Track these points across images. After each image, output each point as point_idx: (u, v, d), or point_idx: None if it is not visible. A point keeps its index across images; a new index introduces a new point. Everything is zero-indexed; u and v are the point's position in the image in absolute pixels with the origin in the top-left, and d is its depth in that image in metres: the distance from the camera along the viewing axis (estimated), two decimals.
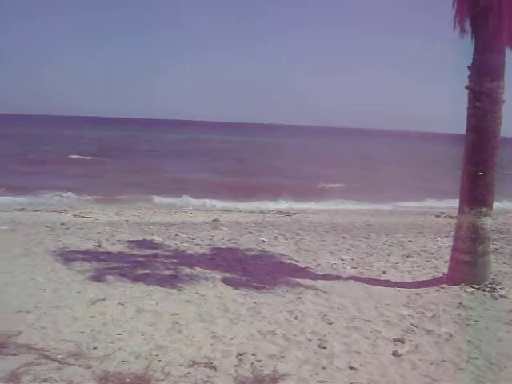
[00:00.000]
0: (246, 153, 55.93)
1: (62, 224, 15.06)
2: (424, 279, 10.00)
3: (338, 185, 30.82)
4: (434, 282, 9.65)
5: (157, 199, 24.08)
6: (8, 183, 25.27)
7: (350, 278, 9.86)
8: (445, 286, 9.32)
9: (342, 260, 11.36)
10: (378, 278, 10.03)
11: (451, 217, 18.17)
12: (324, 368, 5.76)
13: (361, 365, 5.86)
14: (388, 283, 9.63)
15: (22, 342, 6.03)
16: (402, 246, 13.42)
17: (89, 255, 10.71)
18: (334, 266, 10.76)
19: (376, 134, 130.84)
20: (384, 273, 10.40)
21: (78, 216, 17.24)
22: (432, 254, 12.40)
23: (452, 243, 9.84)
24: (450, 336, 6.93)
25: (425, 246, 13.51)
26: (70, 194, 24.31)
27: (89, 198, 23.96)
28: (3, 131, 68.32)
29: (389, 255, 12.10)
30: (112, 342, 6.25)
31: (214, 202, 24.26)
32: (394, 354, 6.21)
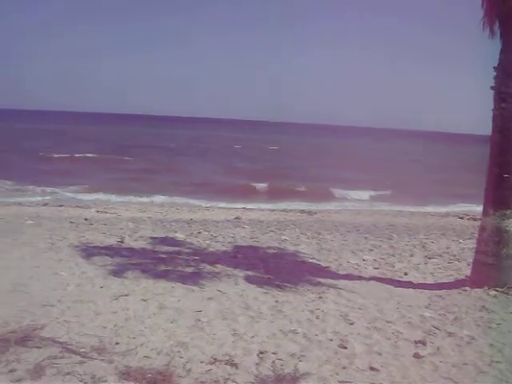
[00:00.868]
0: (264, 152, 55.94)
1: (86, 219, 15.20)
2: (446, 281, 9.92)
3: (363, 185, 30.69)
4: (457, 284, 9.57)
5: (178, 197, 24.14)
6: (31, 179, 25.60)
7: (372, 278, 9.84)
8: (467, 288, 9.24)
9: (364, 260, 11.32)
10: (399, 278, 9.99)
11: (475, 219, 18.04)
12: (345, 368, 5.76)
13: (382, 366, 5.84)
14: (410, 284, 9.57)
15: (46, 336, 6.11)
16: (424, 247, 13.33)
17: (112, 251, 10.80)
18: (356, 266, 10.73)
19: (392, 134, 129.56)
20: (406, 274, 10.35)
21: (101, 212, 17.39)
22: (455, 255, 12.30)
23: (475, 245, 9.75)
24: (472, 339, 6.87)
25: (447, 247, 13.41)
26: (91, 190, 24.53)
27: (111, 194, 24.09)
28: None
29: (411, 256, 12.03)
30: (134, 338, 6.30)
31: (234, 199, 24.34)
32: (416, 355, 6.18)
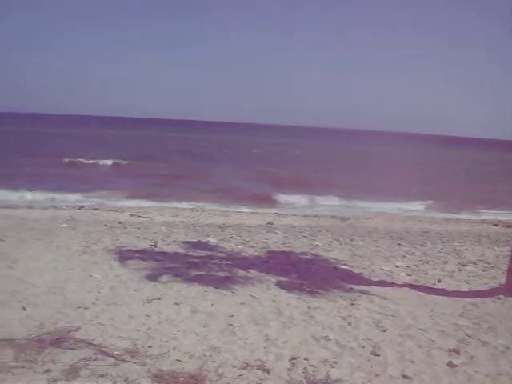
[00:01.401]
0: (289, 156, 55.78)
1: (120, 223, 15.35)
2: (480, 289, 9.82)
3: (394, 190, 30.39)
4: (491, 293, 9.47)
5: (209, 202, 24.19)
6: (63, 183, 25.97)
7: (405, 285, 9.78)
8: (502, 296, 9.14)
9: (397, 267, 11.25)
10: (432, 286, 9.91)
11: (509, 226, 17.81)
12: (377, 375, 5.73)
13: (414, 374, 5.80)
14: (443, 292, 9.49)
15: (80, 337, 6.18)
16: (458, 254, 13.20)
17: (145, 254, 10.89)
18: (389, 273, 10.67)
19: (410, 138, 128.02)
20: (439, 281, 10.26)
21: (135, 216, 17.54)
22: (489, 263, 12.16)
23: (510, 253, 9.63)
24: (507, 348, 6.79)
25: (482, 255, 13.26)
26: (123, 195, 24.72)
27: (144, 199, 24.21)
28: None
29: (444, 263, 11.92)
30: (167, 341, 6.35)
31: (267, 204, 24.38)
32: (449, 364, 6.13)
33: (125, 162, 39.71)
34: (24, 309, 7.08)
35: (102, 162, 39.15)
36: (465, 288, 9.92)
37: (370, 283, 9.73)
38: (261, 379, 5.47)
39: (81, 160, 38.91)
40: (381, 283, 9.81)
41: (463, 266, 11.77)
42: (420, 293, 9.30)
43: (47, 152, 42.23)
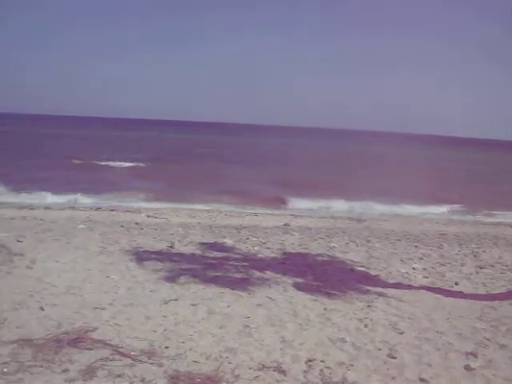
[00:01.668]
0: (306, 158, 55.63)
1: (137, 224, 15.41)
2: (498, 292, 9.75)
3: (408, 192, 30.22)
4: (509, 295, 9.41)
5: (226, 203, 24.21)
6: (76, 185, 26.15)
7: (422, 287, 9.73)
8: None
9: (414, 269, 11.19)
10: (450, 288, 9.85)
11: None
12: (394, 378, 5.72)
13: (432, 377, 5.78)
14: (460, 294, 9.44)
15: (97, 338, 6.23)
16: (475, 256, 13.11)
17: (162, 255, 10.92)
18: (406, 275, 10.62)
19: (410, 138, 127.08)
20: (456, 284, 10.19)
21: (152, 217, 17.60)
22: (507, 266, 12.06)
23: None
24: None
25: (499, 257, 13.16)
26: (140, 196, 24.81)
27: (160, 200, 24.25)
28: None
29: (462, 266, 11.84)
30: (183, 342, 6.38)
31: (285, 205, 24.39)
32: (467, 367, 6.09)
33: (138, 164, 39.82)
34: (42, 309, 7.14)
35: (115, 163, 39.17)
36: (482, 290, 9.85)
37: (386, 285, 9.70)
38: (277, 381, 5.49)
39: (94, 162, 39.04)
40: (398, 285, 9.77)
41: (481, 268, 11.69)
42: (437, 295, 9.25)
43: (59, 154, 42.45)
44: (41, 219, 15.31)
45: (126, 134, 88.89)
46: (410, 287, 9.69)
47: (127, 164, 39.26)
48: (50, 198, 22.27)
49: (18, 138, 62.26)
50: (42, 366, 5.38)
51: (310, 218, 20.19)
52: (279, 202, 25.25)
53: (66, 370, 5.33)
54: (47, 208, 19.11)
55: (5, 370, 5.24)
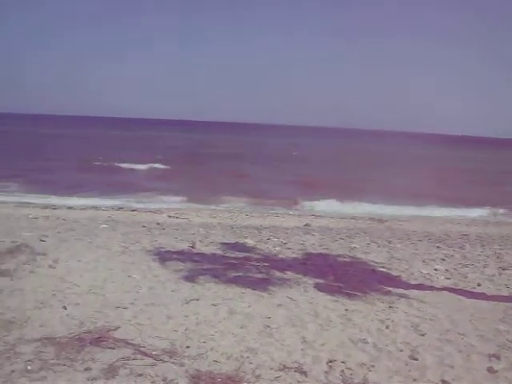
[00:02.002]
0: (327, 158, 55.46)
1: (158, 224, 15.49)
2: None
3: (431, 192, 29.98)
4: None
5: (247, 203, 24.26)
6: (97, 186, 26.36)
7: (444, 288, 9.65)
8: None
9: (436, 270, 11.11)
10: (472, 290, 9.76)
11: None
12: (415, 380, 5.68)
13: (453, 379, 5.74)
14: (483, 296, 9.35)
15: (119, 337, 6.27)
16: (498, 257, 12.97)
17: (183, 255, 10.96)
18: (427, 276, 10.54)
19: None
20: (479, 285, 10.10)
21: (173, 217, 17.68)
22: None
23: None
24: None
25: None
26: (161, 196, 24.94)
27: (182, 200, 24.33)
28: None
29: (484, 267, 11.72)
30: (204, 342, 6.39)
31: (306, 205, 24.38)
32: (489, 370, 6.04)
33: (156, 164, 39.93)
34: (65, 308, 7.20)
35: (134, 165, 39.25)
36: (505, 292, 9.75)
37: (408, 286, 9.64)
38: (298, 381, 5.48)
39: (113, 162, 39.20)
40: (419, 286, 9.71)
41: (503, 269, 11.57)
42: (459, 296, 9.17)
43: (77, 155, 42.87)
44: (63, 219, 15.46)
45: (136, 134, 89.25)
46: (431, 288, 9.62)
47: (146, 165, 39.31)
48: (73, 200, 22.45)
49: (28, 138, 62.79)
50: (64, 365, 5.43)
51: (330, 219, 20.15)
52: (299, 202, 25.23)
53: (88, 369, 5.38)
54: (69, 208, 19.28)
55: (28, 367, 5.30)
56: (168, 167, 38.81)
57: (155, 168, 38.74)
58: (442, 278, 10.51)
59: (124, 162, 39.50)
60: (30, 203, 20.44)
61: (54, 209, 18.64)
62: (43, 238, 11.38)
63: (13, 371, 5.20)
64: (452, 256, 12.77)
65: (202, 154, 53.48)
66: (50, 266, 9.19)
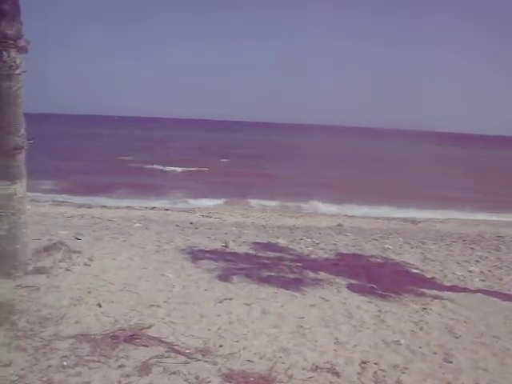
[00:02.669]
0: (352, 157, 55.07)
1: (191, 223, 15.57)
2: None
3: (466, 194, 29.67)
4: None
5: (279, 203, 24.30)
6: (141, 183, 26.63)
7: (478, 290, 9.54)
8: None
9: (470, 272, 10.99)
10: (507, 292, 9.62)
11: None
12: (449, 383, 5.64)
13: (488, 383, 5.68)
14: None
15: (153, 335, 6.30)
16: None
17: (216, 255, 10.99)
18: (462, 278, 10.43)
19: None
20: None
21: (206, 216, 17.77)
22: None
23: None
24: None
25: None
26: (194, 196, 25.11)
27: (215, 199, 24.44)
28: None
29: None
30: (237, 341, 6.41)
31: (336, 206, 24.31)
32: None
33: (187, 164, 40.09)
34: (99, 305, 7.28)
35: (166, 167, 39.47)
36: None
37: (442, 288, 9.55)
38: (330, 382, 5.47)
39: (145, 163, 39.51)
40: (453, 288, 9.61)
41: None
42: (494, 299, 9.06)
43: (108, 154, 43.36)
44: (98, 218, 15.64)
45: (161, 134, 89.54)
46: (466, 290, 9.52)
47: (175, 165, 39.50)
48: (109, 200, 22.71)
49: (60, 137, 63.46)
50: (99, 361, 5.49)
51: (363, 219, 20.09)
52: (331, 202, 25.16)
53: (122, 366, 5.43)
54: (104, 207, 19.50)
55: (64, 363, 5.38)
56: (197, 168, 38.96)
57: (184, 168, 38.89)
58: (477, 279, 10.39)
59: (154, 163, 39.78)
60: (65, 202, 20.74)
61: (89, 208, 18.87)
62: (78, 237, 11.51)
63: (49, 366, 5.28)
64: (487, 258, 12.61)
65: (229, 154, 53.55)
66: (85, 264, 9.28)
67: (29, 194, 9.38)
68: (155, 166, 39.09)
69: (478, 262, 12.08)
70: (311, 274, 9.82)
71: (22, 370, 5.18)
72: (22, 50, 8.49)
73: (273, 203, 24.27)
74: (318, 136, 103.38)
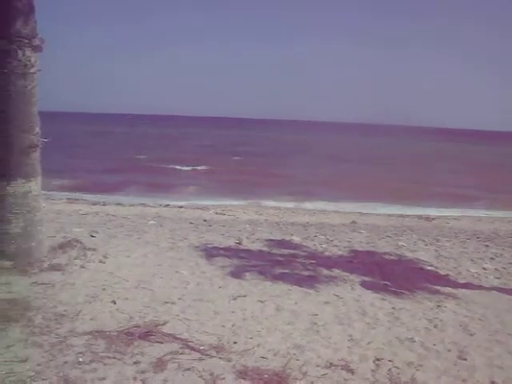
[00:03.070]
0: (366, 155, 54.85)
1: (205, 221, 15.61)
2: None
3: (479, 192, 29.48)
4: None
5: (292, 201, 24.29)
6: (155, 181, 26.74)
7: (493, 288, 9.50)
8: None
9: (485, 269, 10.94)
10: None
11: None
12: (464, 381, 5.61)
13: (504, 381, 5.64)
14: None
15: (167, 332, 6.33)
16: None
17: (230, 252, 11.01)
18: (476, 275, 10.39)
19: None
20: None
21: (220, 213, 17.80)
22: None
23: None
24: None
25: None
26: (207, 193, 25.19)
27: (227, 197, 24.48)
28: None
29: None
30: (251, 338, 6.42)
31: (351, 204, 24.27)
32: None
33: (201, 163, 40.09)
34: (114, 302, 7.32)
35: (182, 166, 39.47)
36: None
37: (456, 285, 9.52)
38: (345, 379, 5.47)
39: (158, 163, 39.57)
40: (468, 286, 9.58)
41: None
42: (509, 296, 9.01)
43: (123, 153, 43.52)
44: (113, 215, 15.70)
45: (173, 132, 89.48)
46: (480, 288, 9.49)
47: (188, 164, 39.49)
48: (123, 197, 22.80)
49: (75, 135, 63.71)
50: (114, 357, 5.53)
51: (377, 216, 20.05)
52: (345, 199, 25.12)
53: (137, 362, 5.46)
54: (118, 204, 19.57)
55: (80, 359, 5.42)
56: (209, 166, 38.96)
57: (197, 166, 38.90)
58: (492, 277, 10.35)
59: (168, 161, 39.84)
60: (79, 200, 20.84)
61: (104, 205, 18.95)
62: (93, 234, 11.57)
63: (65, 362, 5.32)
64: (501, 255, 12.55)
65: (241, 151, 53.53)
66: (100, 261, 9.33)
67: (43, 191, 9.45)
68: (169, 165, 39.10)
69: (492, 259, 12.03)
70: (325, 271, 9.82)
71: (39, 365, 5.22)
72: (37, 48, 8.55)
73: (286, 200, 24.27)
74: (325, 133, 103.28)
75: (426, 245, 13.40)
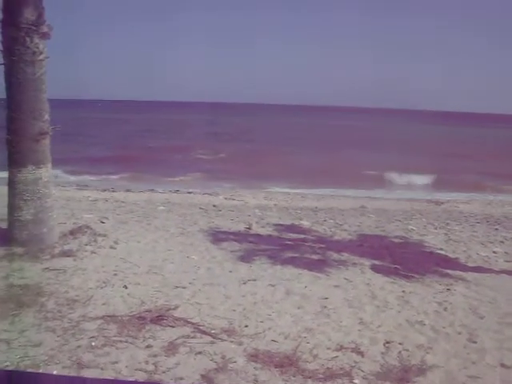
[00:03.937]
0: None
1: (214, 206, 15.61)
2: None
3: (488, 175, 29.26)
4: None
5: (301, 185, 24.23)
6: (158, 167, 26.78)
7: (503, 271, 9.50)
8: None
9: (495, 252, 10.92)
10: None
11: None
12: (474, 363, 5.64)
13: None
14: None
15: (179, 316, 6.41)
16: None
17: (240, 237, 11.06)
18: (486, 259, 10.38)
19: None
20: None
21: (229, 199, 17.80)
22: None
23: None
24: None
25: None
26: (216, 178, 25.19)
27: (236, 182, 24.44)
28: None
29: None
30: (262, 322, 6.48)
31: (358, 189, 24.19)
32: None
33: (210, 149, 40.00)
34: (125, 287, 7.39)
35: (196, 151, 39.29)
36: None
37: (466, 269, 9.53)
38: (355, 362, 5.51)
39: (167, 151, 39.43)
40: (477, 269, 9.58)
41: None
42: None
43: (129, 140, 43.57)
44: (122, 201, 15.73)
45: (186, 118, 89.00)
46: (490, 271, 9.49)
47: (200, 152, 39.33)
48: (132, 184, 22.80)
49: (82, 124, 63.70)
50: (126, 342, 5.60)
51: (386, 201, 19.97)
52: (354, 183, 25.04)
53: (149, 346, 5.53)
54: (128, 190, 19.57)
55: (93, 343, 5.49)
56: (220, 153, 38.87)
57: (206, 154, 38.81)
58: (501, 260, 10.34)
59: (179, 148, 39.75)
60: (89, 186, 20.88)
61: (113, 191, 18.98)
62: (103, 220, 11.63)
63: (78, 347, 5.40)
64: (511, 238, 12.52)
65: (250, 138, 53.29)
66: (111, 247, 9.40)
67: (53, 178, 9.51)
68: (180, 152, 38.99)
69: (502, 242, 12.00)
70: (335, 255, 9.85)
71: (52, 350, 5.30)
72: (45, 35, 8.57)
73: (296, 185, 24.19)
74: (333, 118, 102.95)
75: (436, 228, 13.38)
